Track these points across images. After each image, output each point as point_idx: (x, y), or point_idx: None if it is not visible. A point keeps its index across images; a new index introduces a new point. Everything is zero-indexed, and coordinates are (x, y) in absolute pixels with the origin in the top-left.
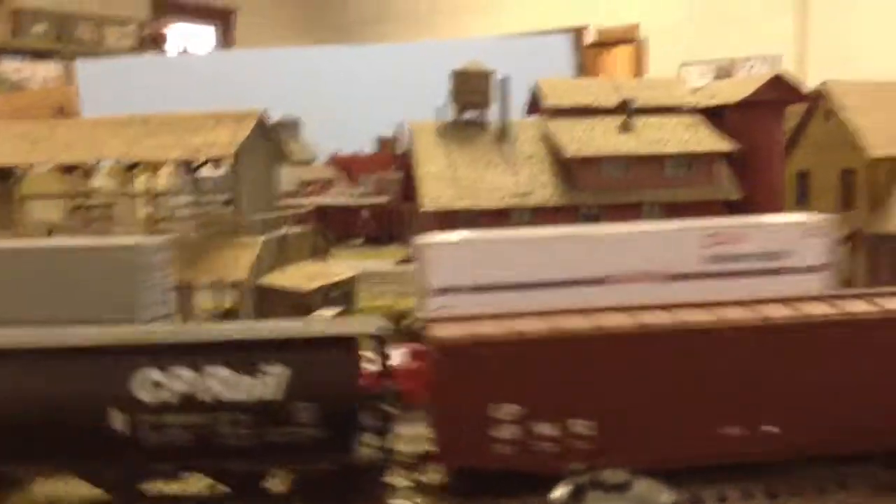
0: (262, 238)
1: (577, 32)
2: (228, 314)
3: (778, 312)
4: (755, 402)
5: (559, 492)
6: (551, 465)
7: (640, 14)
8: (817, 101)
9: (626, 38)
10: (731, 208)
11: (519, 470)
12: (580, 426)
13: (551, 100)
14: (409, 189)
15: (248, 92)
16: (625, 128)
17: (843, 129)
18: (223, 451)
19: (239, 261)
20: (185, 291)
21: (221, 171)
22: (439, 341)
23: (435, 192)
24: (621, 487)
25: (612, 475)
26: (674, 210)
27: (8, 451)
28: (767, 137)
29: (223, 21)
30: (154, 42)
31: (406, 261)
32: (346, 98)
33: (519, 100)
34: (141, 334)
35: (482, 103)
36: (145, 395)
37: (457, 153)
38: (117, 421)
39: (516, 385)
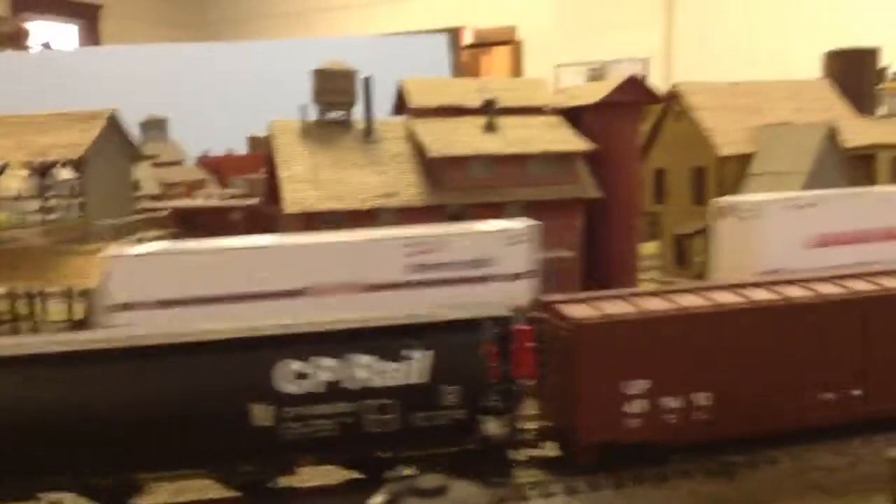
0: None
1: (455, 33)
2: (79, 324)
3: (861, 286)
4: (845, 369)
5: (376, 500)
6: (674, 436)
7: (517, 16)
8: (670, 103)
9: (503, 39)
10: (592, 206)
11: (646, 442)
12: (701, 398)
13: (416, 100)
14: (274, 191)
15: (113, 90)
16: (488, 128)
17: (694, 129)
18: (367, 438)
19: (88, 269)
20: (34, 300)
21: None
22: (576, 321)
23: (297, 195)
24: (437, 492)
25: (429, 480)
26: (537, 209)
27: (140, 455)
28: (624, 137)
29: (88, 17)
30: (14, 39)
31: None
32: (218, 97)
33: (392, 100)
34: (279, 325)
35: (346, 103)
36: (289, 386)
37: (320, 154)
38: (259, 415)
39: (644, 361)
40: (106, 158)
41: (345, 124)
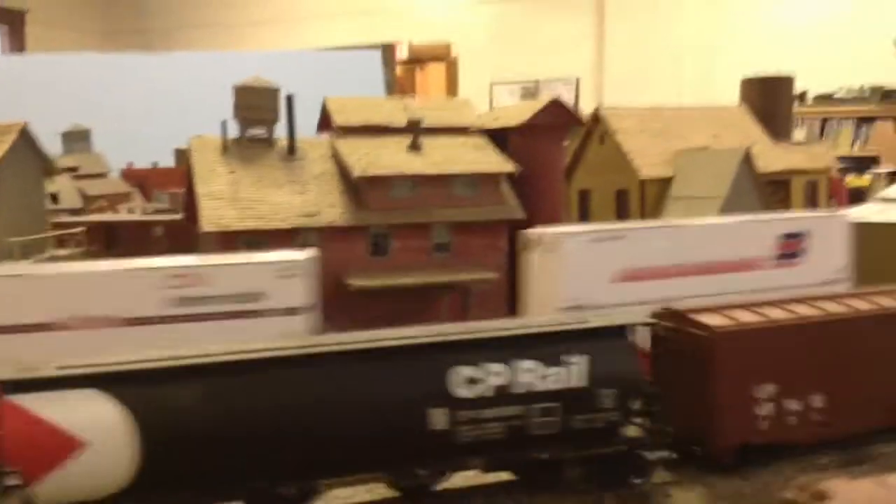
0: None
1: (388, 48)
2: None
3: None
4: None
5: None
6: (795, 436)
7: (453, 33)
8: (594, 125)
9: (438, 55)
10: (516, 227)
11: (772, 443)
12: (816, 400)
13: (340, 118)
14: (192, 208)
15: (35, 100)
16: (413, 148)
17: (617, 152)
18: (531, 440)
19: None
20: None
21: None
22: (713, 329)
23: (215, 213)
24: None
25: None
26: (462, 229)
27: (325, 460)
28: (547, 159)
29: (11, 23)
30: None
31: None
32: (145, 108)
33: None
34: (456, 331)
35: (268, 120)
36: (462, 391)
37: (240, 171)
38: (437, 420)
39: (770, 366)
40: (16, 173)
41: (267, 142)
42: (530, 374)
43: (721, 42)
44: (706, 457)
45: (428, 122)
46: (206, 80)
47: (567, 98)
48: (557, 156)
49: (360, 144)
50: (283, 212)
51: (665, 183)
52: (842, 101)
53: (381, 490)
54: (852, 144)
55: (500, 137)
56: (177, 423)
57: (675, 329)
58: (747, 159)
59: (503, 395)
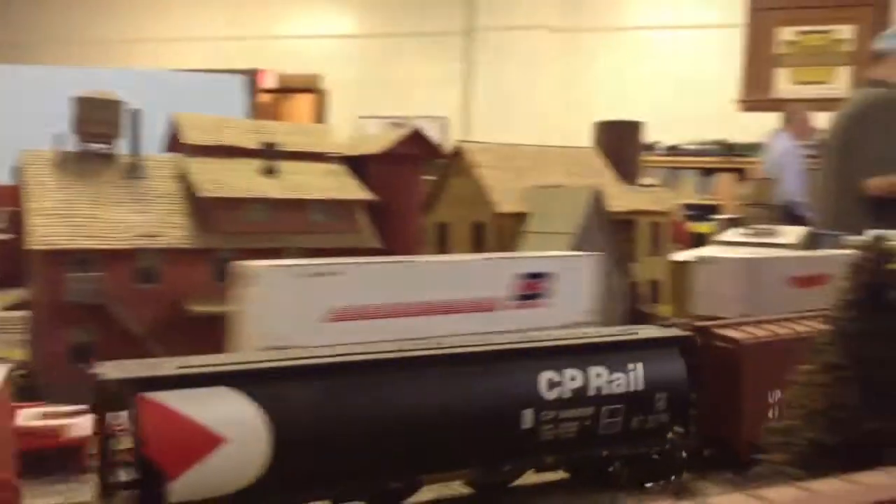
0: None
1: (254, 75)
2: None
3: None
4: None
5: None
6: None
7: (323, 65)
8: (454, 159)
9: (307, 86)
10: (372, 256)
11: None
12: None
13: (191, 136)
14: (23, 226)
15: None
16: (267, 171)
17: (475, 186)
18: (598, 439)
19: None
20: None
21: None
22: (738, 342)
23: (45, 230)
24: None
25: None
26: (316, 256)
27: (421, 458)
28: (405, 189)
29: None
30: None
31: (18, 306)
32: None
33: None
34: (544, 339)
35: (109, 134)
36: (547, 393)
37: (76, 188)
38: (527, 420)
39: (779, 374)
40: None
41: (107, 158)
42: (600, 379)
43: (580, 90)
44: (725, 453)
45: (285, 146)
46: (58, 97)
47: (435, 136)
48: (416, 187)
49: (211, 164)
50: (120, 231)
51: (521, 217)
52: (688, 152)
53: (456, 487)
54: (696, 193)
55: (359, 165)
56: (302, 419)
57: (703, 342)
58: (597, 198)
59: (578, 398)
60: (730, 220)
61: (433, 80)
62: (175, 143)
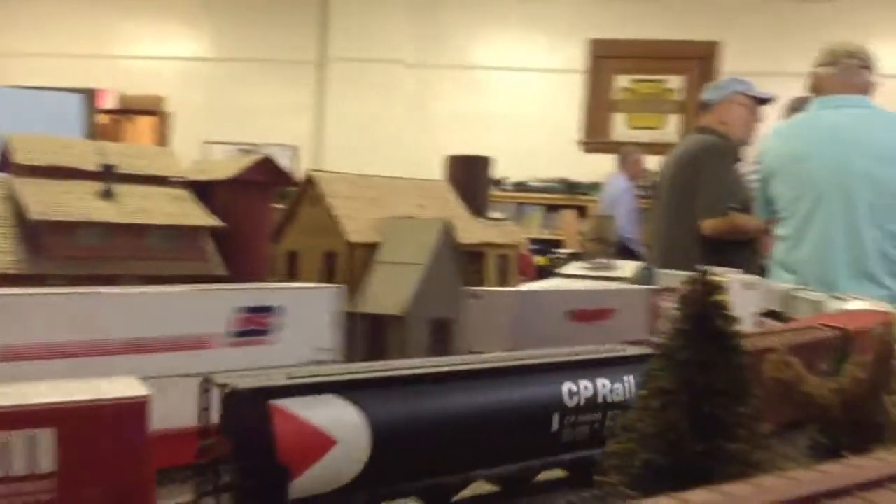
0: None
1: (91, 94)
2: None
3: None
4: None
5: None
6: None
7: (167, 87)
8: (306, 188)
9: (150, 108)
10: (217, 283)
11: None
12: None
13: (23, 157)
14: None
15: None
16: (105, 194)
17: (327, 215)
18: (601, 442)
19: None
20: None
21: None
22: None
23: None
24: None
25: None
26: (157, 284)
27: (474, 458)
28: (254, 216)
29: None
30: None
31: None
32: None
33: None
34: (566, 354)
35: None
36: (569, 401)
37: None
38: (555, 423)
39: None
40: None
41: None
42: (604, 389)
43: (432, 124)
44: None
45: (125, 168)
46: None
47: (286, 164)
48: (265, 214)
49: (44, 186)
50: None
51: (373, 248)
52: (534, 188)
53: (479, 485)
54: (542, 228)
55: (205, 191)
56: (394, 423)
57: None
58: (447, 230)
59: (591, 405)
60: (571, 254)
61: (285, 107)
62: (6, 164)
